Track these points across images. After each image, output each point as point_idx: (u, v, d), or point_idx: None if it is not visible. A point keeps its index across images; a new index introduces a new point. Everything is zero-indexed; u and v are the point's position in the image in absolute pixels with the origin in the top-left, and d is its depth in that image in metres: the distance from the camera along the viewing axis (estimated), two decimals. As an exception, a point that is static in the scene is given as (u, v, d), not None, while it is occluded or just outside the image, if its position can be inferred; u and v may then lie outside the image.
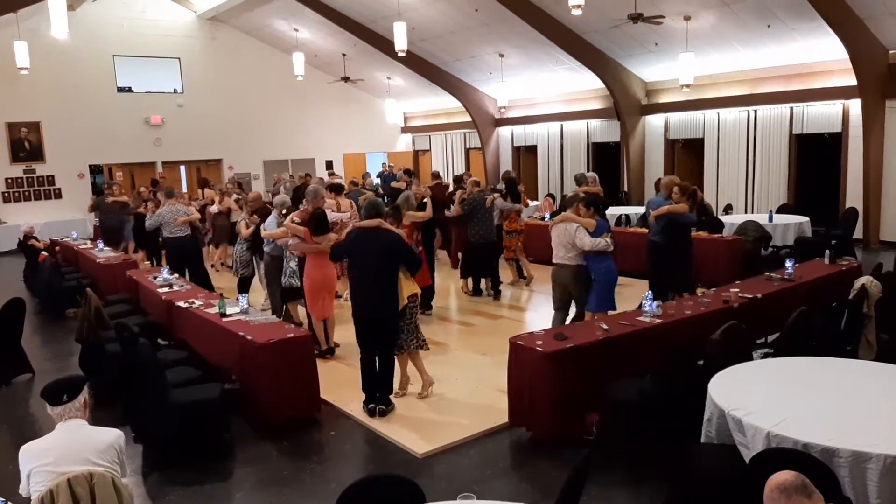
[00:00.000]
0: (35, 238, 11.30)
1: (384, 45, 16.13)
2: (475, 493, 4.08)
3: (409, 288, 5.60)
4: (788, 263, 6.93)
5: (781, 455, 3.13)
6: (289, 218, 7.24)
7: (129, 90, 18.17)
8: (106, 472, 3.11)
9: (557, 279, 6.67)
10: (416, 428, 5.31)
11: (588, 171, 17.00)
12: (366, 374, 5.55)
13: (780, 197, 13.29)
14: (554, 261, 6.63)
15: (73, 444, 3.17)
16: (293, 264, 7.39)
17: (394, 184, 12.94)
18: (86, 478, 3.01)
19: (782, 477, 2.39)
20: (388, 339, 5.51)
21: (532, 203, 15.78)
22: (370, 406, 5.50)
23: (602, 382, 4.82)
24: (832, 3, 10.47)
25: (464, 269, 9.77)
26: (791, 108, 13.07)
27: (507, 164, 19.26)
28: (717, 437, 3.84)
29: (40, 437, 3.25)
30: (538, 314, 8.47)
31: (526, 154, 19.32)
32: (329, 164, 20.95)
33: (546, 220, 12.21)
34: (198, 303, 6.62)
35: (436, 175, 12.68)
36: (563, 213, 6.75)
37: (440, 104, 20.36)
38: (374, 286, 5.41)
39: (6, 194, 16.63)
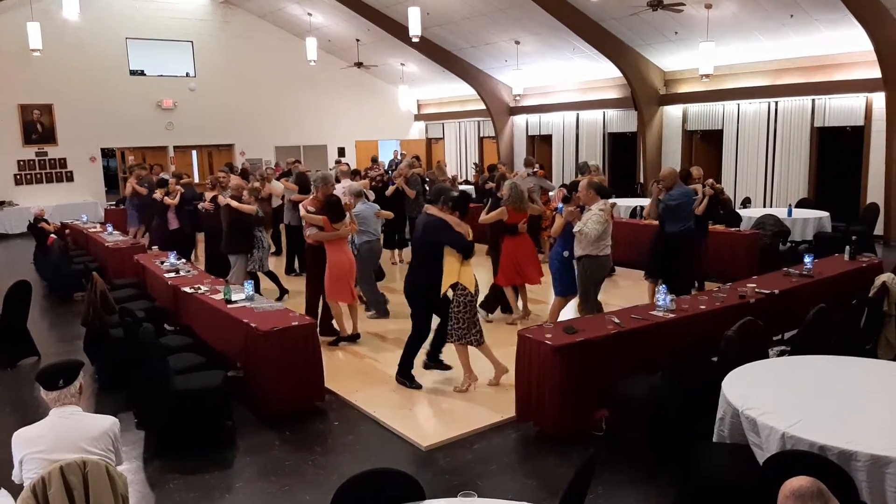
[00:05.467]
0: (45, 221, 11.31)
1: (398, 30, 15.99)
2: (479, 488, 4.01)
3: (451, 275, 5.46)
4: (807, 259, 6.78)
5: (797, 458, 3.03)
6: (301, 207, 7.08)
7: (142, 73, 18.15)
8: (100, 459, 3.04)
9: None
10: (421, 420, 5.23)
11: (604, 161, 16.91)
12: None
13: (799, 191, 13.06)
14: (608, 252, 6.46)
15: (66, 431, 3.10)
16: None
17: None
18: (79, 465, 2.94)
19: (798, 483, 2.28)
20: (412, 315, 5.85)
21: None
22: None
23: (612, 378, 4.71)
24: (858, -8, 10.21)
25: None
26: (813, 100, 12.80)
27: (521, 153, 19.07)
28: (729, 436, 3.73)
29: (33, 424, 3.17)
30: (550, 307, 8.33)
31: (541, 143, 19.12)
32: (341, 151, 20.87)
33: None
34: (203, 288, 6.56)
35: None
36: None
37: (454, 91, 20.19)
38: (410, 265, 5.98)
39: (18, 176, 16.68)
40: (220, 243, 8.40)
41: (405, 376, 5.78)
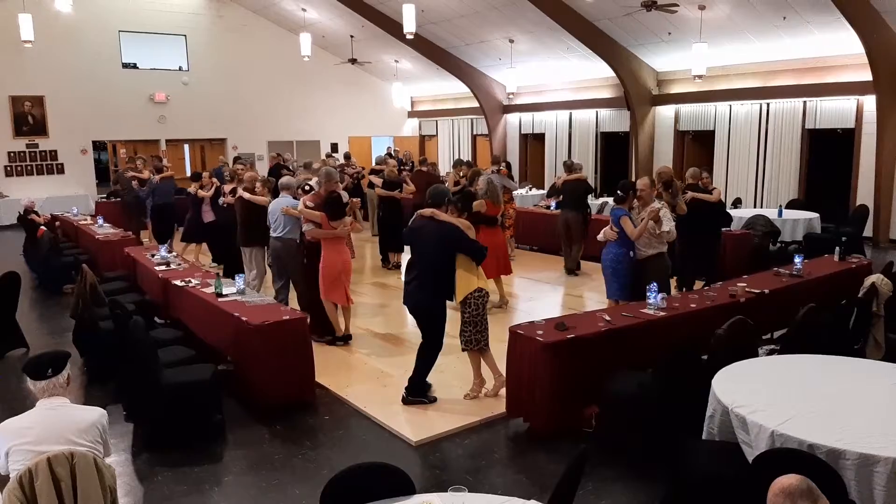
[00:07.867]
0: (35, 213, 11.22)
1: (393, 27, 15.95)
2: (469, 484, 4.00)
3: (470, 281, 5.21)
4: (797, 259, 6.81)
5: (786, 456, 3.04)
6: (301, 202, 6.87)
7: (135, 66, 18.03)
8: (88, 451, 3.02)
9: None
10: (411, 415, 5.22)
11: (596, 160, 16.95)
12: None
13: (790, 192, 13.13)
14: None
15: (54, 422, 3.08)
16: None
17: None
18: (66, 457, 2.92)
19: (787, 481, 2.29)
20: (426, 329, 5.31)
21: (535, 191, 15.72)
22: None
23: (603, 375, 4.72)
24: (850, -5, 10.26)
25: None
26: (804, 102, 12.86)
27: (514, 151, 19.11)
28: (719, 434, 3.74)
29: (20, 415, 3.15)
30: (540, 304, 8.36)
31: (533, 142, 19.14)
32: (334, 147, 20.81)
33: (552, 208, 12.10)
34: (194, 282, 6.53)
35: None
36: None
37: (448, 89, 20.17)
38: (418, 276, 5.23)
39: (8, 168, 16.56)
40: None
41: (419, 393, 5.33)
